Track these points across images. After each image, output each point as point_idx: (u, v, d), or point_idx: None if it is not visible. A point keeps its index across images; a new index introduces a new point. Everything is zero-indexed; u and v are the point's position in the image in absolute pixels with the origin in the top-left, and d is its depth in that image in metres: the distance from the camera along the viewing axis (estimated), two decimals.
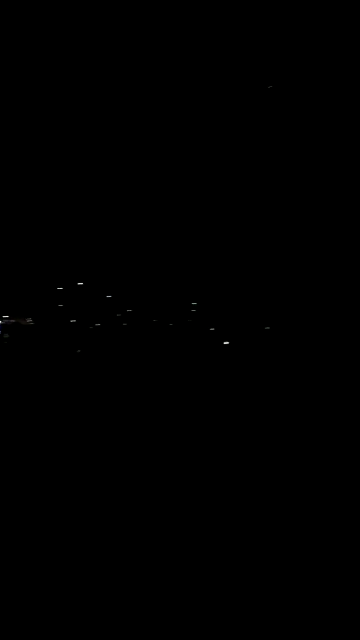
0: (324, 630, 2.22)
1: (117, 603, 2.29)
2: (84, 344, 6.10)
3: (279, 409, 4.56)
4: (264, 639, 2.16)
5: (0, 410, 5.29)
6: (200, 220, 3.65)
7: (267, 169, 3.43)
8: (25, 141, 4.42)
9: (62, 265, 4.41)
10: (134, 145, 3.77)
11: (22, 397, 5.88)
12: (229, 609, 2.34)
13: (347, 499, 2.95)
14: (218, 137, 3.36)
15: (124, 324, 4.51)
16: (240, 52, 3.32)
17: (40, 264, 5.04)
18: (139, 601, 2.29)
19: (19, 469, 3.73)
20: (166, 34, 3.35)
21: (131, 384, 5.07)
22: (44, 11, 3.17)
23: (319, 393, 5.62)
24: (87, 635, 2.11)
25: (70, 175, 3.93)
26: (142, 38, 3.56)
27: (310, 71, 3.30)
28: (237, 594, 2.43)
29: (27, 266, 5.60)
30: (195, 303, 4.08)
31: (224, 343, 4.25)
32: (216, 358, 5.15)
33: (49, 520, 2.93)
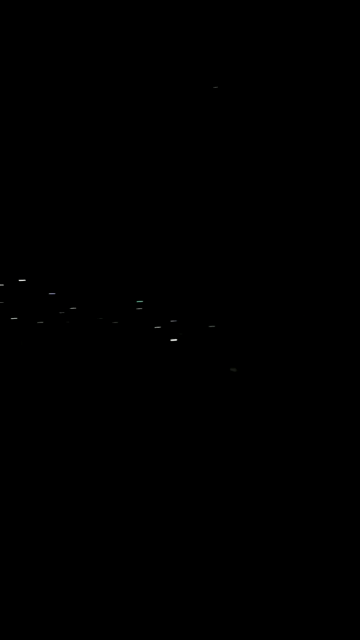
0: (324, 631, 2.39)
1: (117, 603, 2.53)
2: (27, 342, 5.98)
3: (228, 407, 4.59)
4: (264, 638, 2.21)
5: None
6: (145, 215, 3.58)
7: (212, 169, 3.38)
8: None
9: (1, 262, 4.26)
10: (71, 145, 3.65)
11: None
12: (229, 609, 2.54)
13: (346, 500, 3.03)
14: (160, 137, 3.29)
15: (67, 322, 4.38)
16: (185, 52, 3.25)
17: None
18: (139, 601, 2.55)
19: None
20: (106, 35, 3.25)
21: (78, 383, 5.07)
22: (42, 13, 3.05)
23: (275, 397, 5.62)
24: (87, 636, 2.35)
25: (7, 170, 3.81)
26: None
27: (258, 72, 3.25)
28: (237, 594, 2.62)
29: None
30: (141, 301, 3.99)
31: (171, 340, 4.18)
32: (164, 356, 5.08)
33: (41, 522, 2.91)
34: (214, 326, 3.93)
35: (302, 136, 3.38)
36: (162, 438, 3.96)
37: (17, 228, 3.90)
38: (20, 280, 4.02)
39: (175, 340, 3.92)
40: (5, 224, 3.84)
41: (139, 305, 3.95)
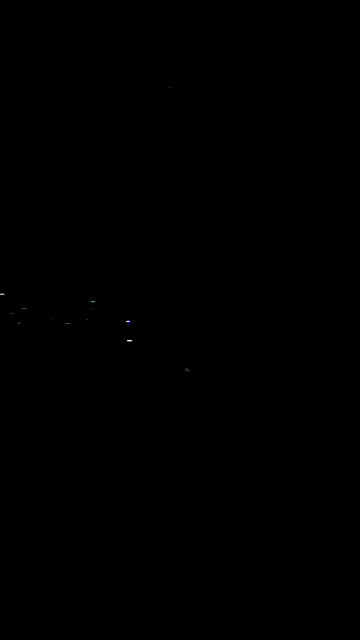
0: (324, 631, 2.41)
1: (117, 603, 2.48)
2: None
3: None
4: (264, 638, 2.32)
5: None
6: (94, 212, 3.43)
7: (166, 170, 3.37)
8: None
9: None
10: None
11: None
12: (229, 609, 2.50)
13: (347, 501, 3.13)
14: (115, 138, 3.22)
15: (18, 323, 3.94)
16: (135, 52, 3.26)
17: None
18: (139, 601, 2.49)
19: None
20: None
21: (29, 386, 4.60)
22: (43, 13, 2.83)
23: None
24: (87, 636, 2.30)
25: None
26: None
27: (208, 73, 3.36)
28: (237, 595, 2.57)
29: None
30: (94, 301, 3.78)
31: (128, 341, 4.03)
32: (120, 356, 4.80)
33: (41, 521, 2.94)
34: (168, 327, 4.03)
35: (255, 134, 3.58)
36: (119, 436, 3.85)
37: None
38: None
39: (131, 341, 3.95)
40: None
41: (92, 306, 3.94)
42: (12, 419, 3.82)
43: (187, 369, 3.82)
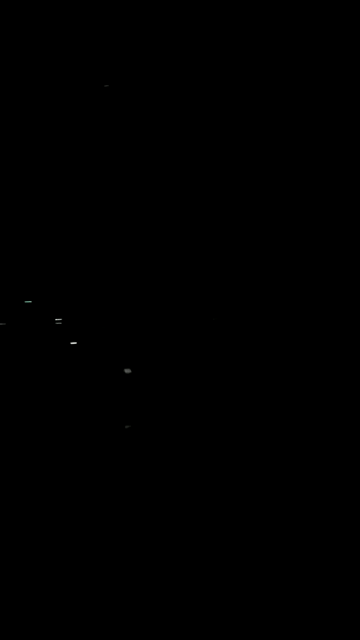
0: (323, 631, 2.36)
1: (117, 603, 2.50)
2: None
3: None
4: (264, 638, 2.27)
5: None
6: (34, 214, 3.16)
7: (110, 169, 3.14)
8: None
9: None
10: None
11: None
12: (229, 609, 2.48)
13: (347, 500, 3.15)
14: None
15: None
16: (75, 49, 3.03)
17: None
18: (139, 601, 2.50)
19: None
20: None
21: None
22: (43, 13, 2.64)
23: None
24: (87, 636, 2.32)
25: None
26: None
27: (151, 71, 3.14)
28: (237, 595, 2.54)
29: None
30: (30, 301, 3.47)
31: (71, 343, 3.68)
32: (63, 359, 4.49)
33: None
34: (108, 328, 3.86)
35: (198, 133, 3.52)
36: (59, 437, 3.73)
37: None
38: None
39: (75, 343, 3.77)
40: None
41: (28, 306, 3.70)
42: None
43: (127, 370, 3.67)
